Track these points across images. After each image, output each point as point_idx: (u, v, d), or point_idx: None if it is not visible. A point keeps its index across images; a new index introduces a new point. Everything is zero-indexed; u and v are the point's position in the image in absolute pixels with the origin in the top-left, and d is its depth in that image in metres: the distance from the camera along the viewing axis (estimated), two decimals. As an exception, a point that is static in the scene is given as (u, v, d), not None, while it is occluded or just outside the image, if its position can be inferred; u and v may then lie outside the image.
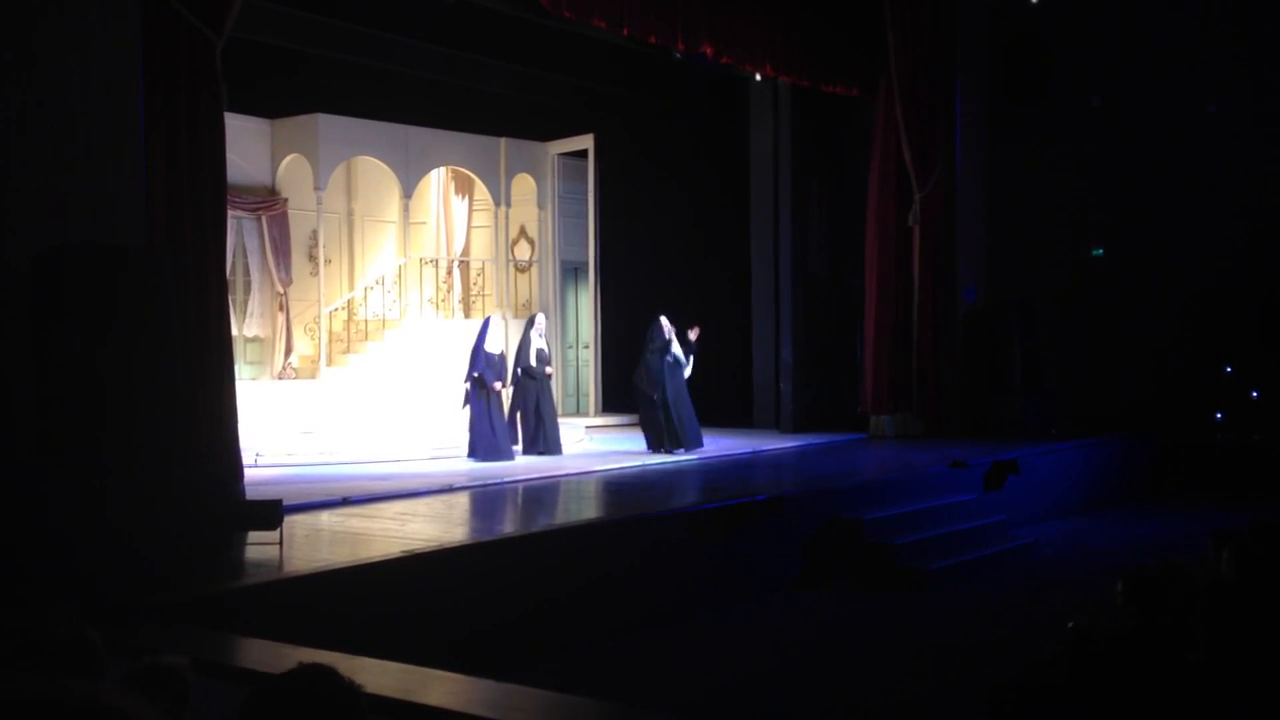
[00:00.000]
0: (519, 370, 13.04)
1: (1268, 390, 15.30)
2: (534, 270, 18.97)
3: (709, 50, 13.27)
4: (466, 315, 18.15)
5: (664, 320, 13.53)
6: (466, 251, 18.59)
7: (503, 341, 13.01)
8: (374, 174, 17.33)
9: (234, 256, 15.41)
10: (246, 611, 6.25)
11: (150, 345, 6.97)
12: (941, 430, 15.11)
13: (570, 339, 19.08)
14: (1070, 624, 3.58)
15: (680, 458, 12.86)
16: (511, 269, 18.86)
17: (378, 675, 4.45)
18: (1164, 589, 3.57)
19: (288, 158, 16.50)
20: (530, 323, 13.45)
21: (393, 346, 16.83)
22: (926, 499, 11.43)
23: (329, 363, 16.46)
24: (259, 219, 16.12)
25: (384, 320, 17.18)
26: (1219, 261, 15.38)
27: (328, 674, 1.93)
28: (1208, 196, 15.53)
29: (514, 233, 18.91)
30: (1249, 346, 15.39)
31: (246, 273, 16.16)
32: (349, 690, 1.92)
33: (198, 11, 8.10)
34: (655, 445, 13.27)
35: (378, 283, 17.33)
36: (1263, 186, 15.23)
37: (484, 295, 18.60)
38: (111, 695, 1.60)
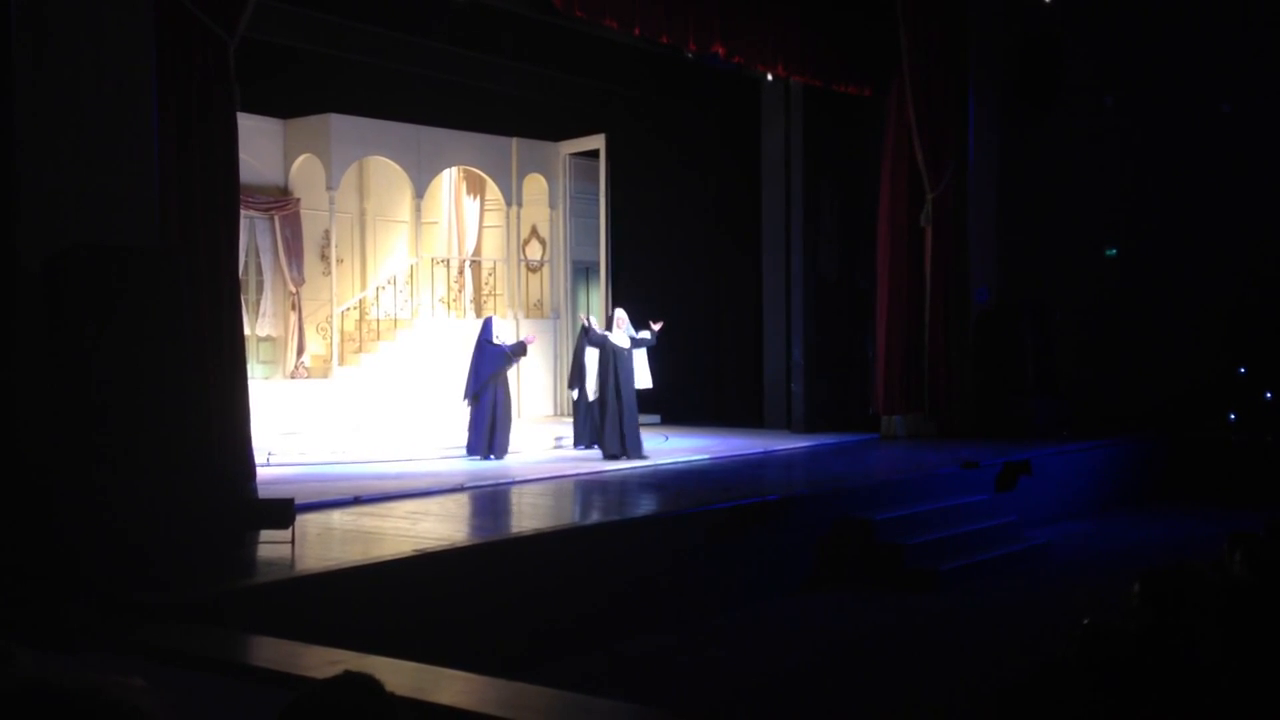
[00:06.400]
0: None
1: (1281, 391, 15.24)
2: (545, 270, 18.99)
3: (720, 50, 13.26)
4: (478, 315, 18.18)
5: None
6: (478, 251, 18.62)
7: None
8: (386, 174, 17.37)
9: (246, 256, 15.46)
10: (258, 610, 6.26)
11: (162, 345, 6.98)
12: (953, 431, 15.07)
13: (581, 339, 19.10)
14: (1082, 624, 3.57)
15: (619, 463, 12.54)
16: (523, 269, 18.88)
17: (390, 674, 4.43)
18: (1181, 591, 3.55)
19: (300, 158, 16.54)
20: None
21: (404, 346, 16.87)
22: (938, 499, 11.40)
23: (341, 362, 16.50)
24: (271, 219, 16.17)
25: (395, 320, 17.22)
26: (1232, 261, 15.33)
27: (369, 684, 1.91)
28: (1221, 197, 15.47)
29: (525, 232, 18.93)
30: (1262, 347, 15.33)
31: (259, 272, 16.21)
32: (390, 703, 1.89)
33: (211, 12, 8.13)
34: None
35: (389, 282, 17.37)
36: (1276, 186, 15.17)
37: (495, 295, 18.63)
38: (115, 688, 1.61)
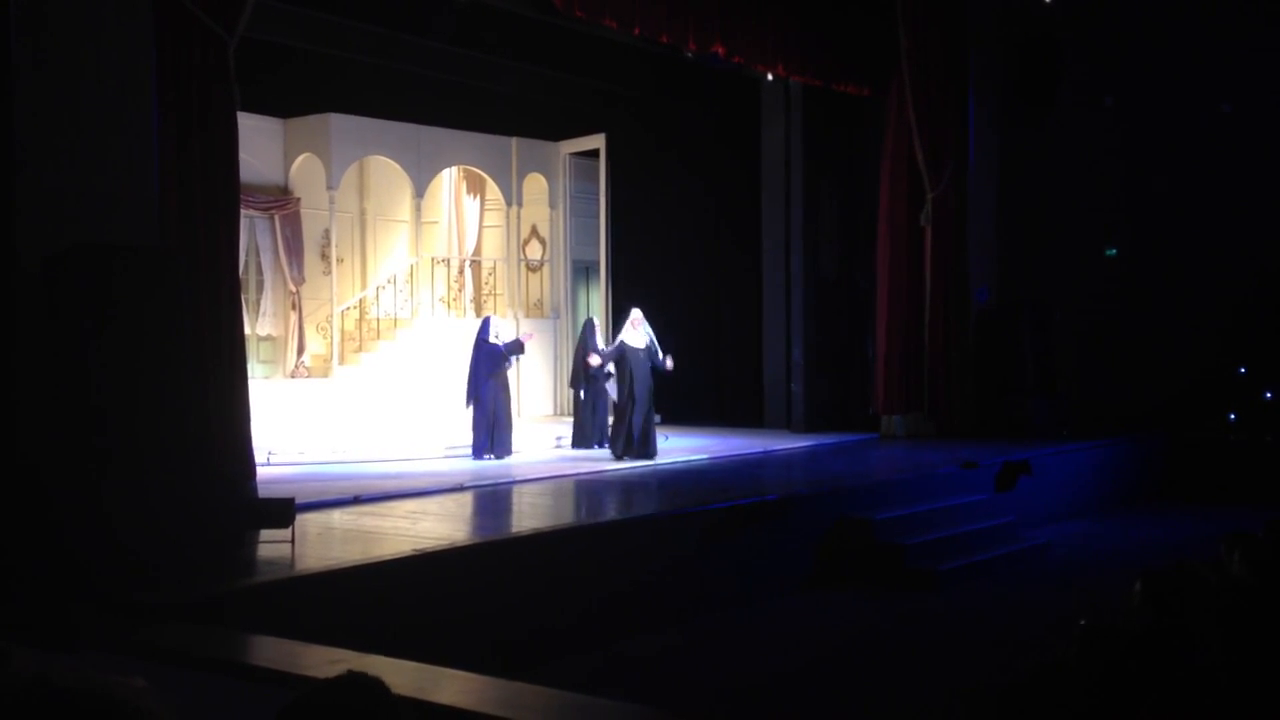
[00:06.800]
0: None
1: (1281, 391, 15.25)
2: (545, 270, 18.99)
3: (720, 50, 13.26)
4: (478, 314, 18.17)
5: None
6: (478, 251, 18.62)
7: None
8: (386, 173, 17.36)
9: (246, 256, 15.45)
10: (259, 610, 6.27)
11: (161, 344, 6.99)
12: (953, 430, 15.07)
13: (581, 338, 19.08)
14: (1081, 624, 3.57)
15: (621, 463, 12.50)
16: (523, 268, 18.88)
17: (390, 673, 4.42)
18: (1182, 591, 3.56)
19: (300, 157, 16.54)
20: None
21: (404, 345, 16.87)
22: (937, 499, 11.41)
23: (341, 361, 16.50)
24: (271, 218, 16.16)
25: (395, 319, 17.22)
26: (1232, 261, 15.34)
27: (372, 685, 1.89)
28: (1221, 197, 15.47)
29: (525, 232, 18.93)
30: (1262, 347, 15.34)
31: (259, 272, 16.20)
32: (393, 704, 1.87)
33: (210, 11, 8.13)
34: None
35: (389, 282, 17.36)
36: (1276, 186, 15.17)
37: (495, 295, 18.63)
38: (123, 689, 1.61)
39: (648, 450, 12.59)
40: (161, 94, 7.77)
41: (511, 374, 13.42)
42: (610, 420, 13.73)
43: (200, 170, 8.21)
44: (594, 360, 13.36)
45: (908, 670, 7.84)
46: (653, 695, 6.97)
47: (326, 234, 16.73)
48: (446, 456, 12.94)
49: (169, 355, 7.03)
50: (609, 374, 13.58)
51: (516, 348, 13.13)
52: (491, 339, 12.90)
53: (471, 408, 12.78)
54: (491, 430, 12.59)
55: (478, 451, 12.59)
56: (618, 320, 17.26)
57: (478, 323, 14.02)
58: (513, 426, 12.98)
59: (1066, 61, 16.32)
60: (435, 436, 14.17)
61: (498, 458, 12.50)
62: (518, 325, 17.43)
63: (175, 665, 5.04)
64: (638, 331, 12.92)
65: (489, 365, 12.75)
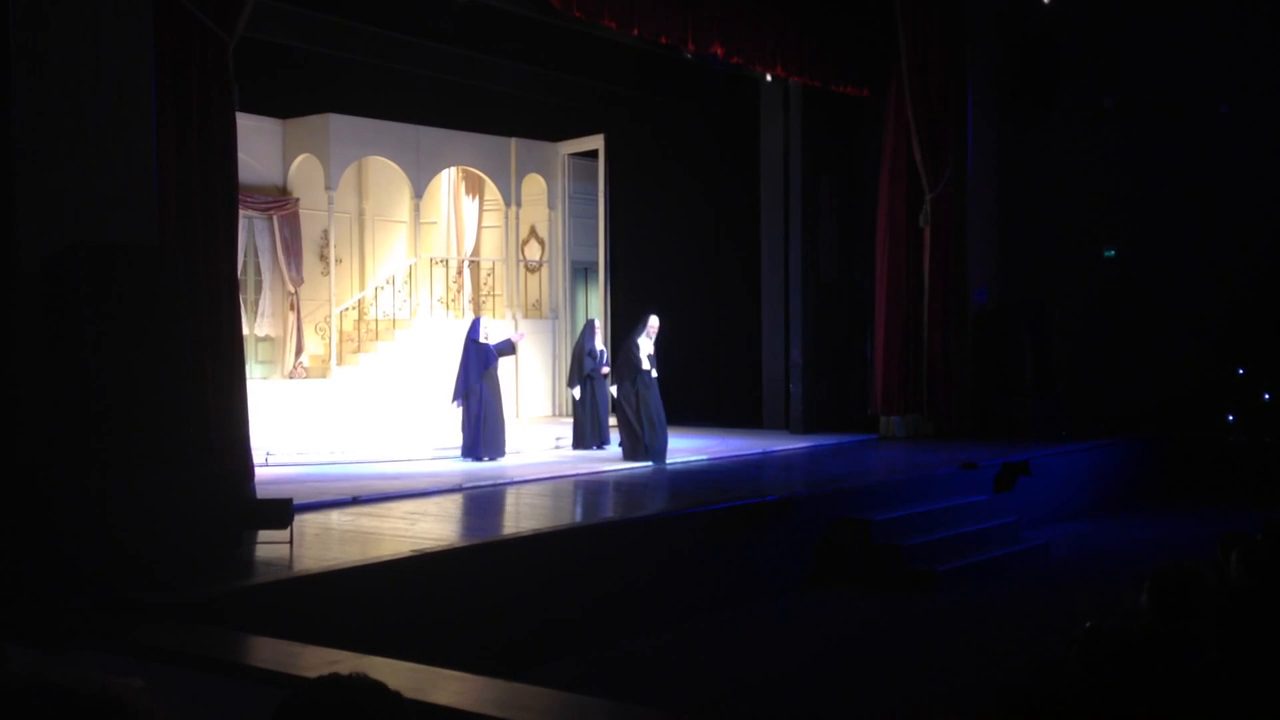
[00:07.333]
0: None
1: (1280, 392, 15.26)
2: (544, 270, 18.99)
3: (719, 50, 13.26)
4: (475, 315, 18.17)
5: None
6: (477, 251, 18.61)
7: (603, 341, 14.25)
8: (385, 174, 17.36)
9: (245, 256, 15.45)
10: (257, 610, 6.26)
11: (160, 344, 6.98)
12: (952, 431, 15.08)
13: (580, 339, 19.06)
14: (1085, 625, 3.57)
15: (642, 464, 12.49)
16: (521, 269, 18.88)
17: (387, 674, 4.42)
18: (1188, 592, 3.56)
19: (299, 157, 16.53)
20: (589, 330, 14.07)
21: (403, 346, 16.86)
22: (937, 500, 11.41)
23: (339, 362, 16.50)
24: (270, 219, 16.16)
25: (394, 320, 17.21)
26: (1231, 262, 15.35)
27: (373, 688, 1.84)
28: (1220, 197, 15.49)
29: (524, 233, 18.93)
30: (1261, 348, 15.34)
31: (258, 272, 16.20)
32: (404, 709, 1.83)
33: (210, 11, 8.12)
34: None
35: (388, 282, 17.36)
36: (1274, 187, 15.18)
37: (494, 295, 18.63)
38: (122, 689, 1.61)
39: (664, 457, 12.57)
40: (161, 94, 7.76)
41: (509, 375, 13.42)
42: (609, 420, 13.72)
43: (199, 170, 8.21)
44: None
45: (907, 670, 7.84)
46: (652, 695, 6.97)
47: (325, 234, 16.73)
48: (444, 457, 12.93)
49: (168, 355, 7.02)
50: (607, 374, 13.61)
51: (507, 348, 13.14)
52: (481, 339, 12.90)
53: (460, 407, 12.77)
54: (482, 431, 12.58)
55: (466, 452, 12.59)
56: (616, 321, 17.30)
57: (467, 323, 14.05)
58: (504, 426, 12.98)
59: (1065, 62, 16.33)
60: (433, 437, 14.17)
61: (491, 459, 12.49)
62: (515, 326, 17.43)
63: (174, 665, 5.04)
64: (651, 341, 12.88)
65: (479, 365, 12.75)
